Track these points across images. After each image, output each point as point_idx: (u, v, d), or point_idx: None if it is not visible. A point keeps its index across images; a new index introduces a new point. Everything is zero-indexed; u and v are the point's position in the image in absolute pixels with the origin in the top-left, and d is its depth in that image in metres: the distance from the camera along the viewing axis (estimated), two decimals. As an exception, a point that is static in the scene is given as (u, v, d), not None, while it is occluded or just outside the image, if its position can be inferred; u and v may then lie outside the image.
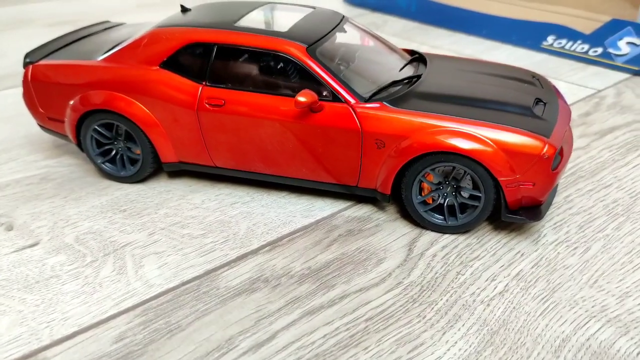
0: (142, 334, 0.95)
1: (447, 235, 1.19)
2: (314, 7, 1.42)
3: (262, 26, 1.27)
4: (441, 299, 1.02)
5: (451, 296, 1.03)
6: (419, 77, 1.27)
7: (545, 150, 1.10)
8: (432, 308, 1.00)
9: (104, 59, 1.31)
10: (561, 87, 1.93)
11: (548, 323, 0.97)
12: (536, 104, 1.21)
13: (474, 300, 1.02)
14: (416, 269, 1.10)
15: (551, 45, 2.30)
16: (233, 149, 1.27)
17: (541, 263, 1.11)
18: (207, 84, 1.24)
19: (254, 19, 1.30)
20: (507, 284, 1.06)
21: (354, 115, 1.16)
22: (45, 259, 1.12)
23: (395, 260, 1.12)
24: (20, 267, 1.10)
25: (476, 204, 1.15)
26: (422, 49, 2.30)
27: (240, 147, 1.26)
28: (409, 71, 1.32)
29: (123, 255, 1.13)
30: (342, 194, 1.32)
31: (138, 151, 1.34)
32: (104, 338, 0.94)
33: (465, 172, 1.13)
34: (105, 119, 1.31)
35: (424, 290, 1.05)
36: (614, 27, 2.11)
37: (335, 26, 1.32)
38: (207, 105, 1.23)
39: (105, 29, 1.57)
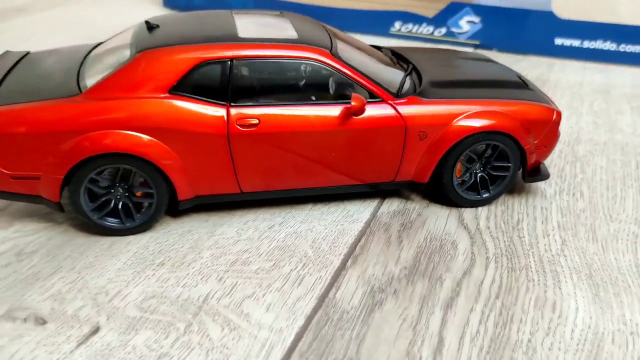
0: (320, 379, 0.87)
1: (480, 209, 1.30)
2: (279, 12, 1.37)
3: (261, 35, 1.19)
4: (530, 262, 1.13)
5: (534, 257, 1.14)
6: (414, 69, 1.34)
7: (555, 116, 1.27)
8: (531, 271, 1.11)
9: (87, 95, 1.09)
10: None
11: (615, 255, 1.15)
12: (519, 78, 1.38)
13: (552, 255, 1.15)
14: (488, 243, 1.18)
15: (399, 30, 2.54)
16: (267, 170, 1.18)
17: (564, 212, 1.29)
18: (233, 104, 1.13)
19: (248, 29, 1.21)
20: (560, 235, 1.21)
21: (396, 112, 1.18)
22: (128, 340, 0.91)
23: (465, 240, 1.19)
24: (109, 359, 0.88)
25: (505, 174, 1.28)
26: None
27: (275, 166, 1.18)
28: (398, 66, 1.37)
29: (215, 310, 0.98)
30: (365, 194, 1.32)
31: (138, 193, 1.15)
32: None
33: (492, 147, 1.24)
34: (107, 165, 1.09)
35: (512, 258, 1.14)
36: (454, 9, 2.43)
37: (326, 29, 1.30)
38: (239, 128, 1.12)
39: (20, 59, 1.28)
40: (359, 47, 1.31)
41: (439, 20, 2.48)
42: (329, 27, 1.32)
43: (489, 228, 1.23)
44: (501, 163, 1.27)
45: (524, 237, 1.21)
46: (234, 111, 1.12)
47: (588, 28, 2.30)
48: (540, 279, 1.08)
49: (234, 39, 1.15)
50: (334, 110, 1.16)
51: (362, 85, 1.17)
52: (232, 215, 1.24)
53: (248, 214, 1.25)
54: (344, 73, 1.17)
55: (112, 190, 1.14)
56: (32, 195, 1.13)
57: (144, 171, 1.11)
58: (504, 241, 1.19)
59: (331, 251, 1.14)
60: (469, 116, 1.21)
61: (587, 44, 2.33)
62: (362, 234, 1.20)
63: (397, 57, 1.42)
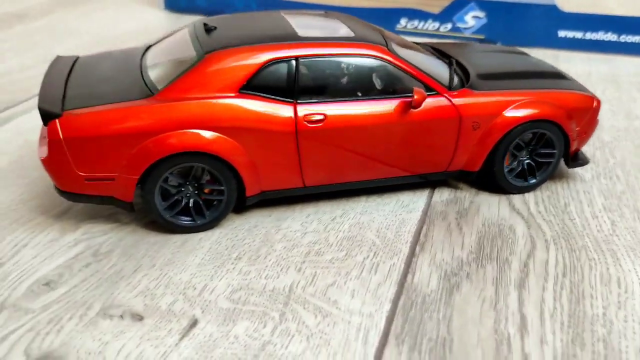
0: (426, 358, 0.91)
1: (527, 195, 1.36)
2: (324, 12, 1.41)
3: (319, 34, 1.23)
4: (587, 242, 1.19)
5: (589, 237, 1.21)
6: (455, 61, 1.39)
7: (595, 103, 1.34)
8: (590, 250, 1.17)
9: (161, 96, 1.11)
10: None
11: (663, 233, 1.23)
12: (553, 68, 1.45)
13: (605, 235, 1.21)
14: (543, 226, 1.24)
15: (405, 27, 2.60)
16: (330, 164, 1.22)
17: (606, 195, 1.36)
18: (300, 101, 1.16)
19: (305, 28, 1.25)
20: (607, 216, 1.28)
21: (451, 104, 1.23)
22: (228, 331, 0.94)
23: (521, 224, 1.25)
24: (213, 350, 0.91)
25: (551, 160, 1.34)
26: None
27: (338, 160, 1.21)
28: (441, 60, 1.42)
29: (303, 299, 1.02)
30: (415, 185, 1.37)
31: (207, 190, 1.18)
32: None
33: (539, 135, 1.30)
34: (182, 163, 1.12)
35: (569, 240, 1.20)
36: (459, 5, 2.49)
37: (374, 27, 1.34)
38: (306, 124, 1.16)
39: (74, 64, 1.29)
40: (406, 44, 1.36)
41: (445, 16, 2.54)
42: (374, 25, 1.37)
43: (540, 212, 1.29)
44: (547, 150, 1.33)
45: (574, 219, 1.27)
46: (300, 108, 1.16)
47: (590, 20, 2.39)
48: (600, 257, 1.15)
49: (297, 39, 1.18)
50: (394, 104, 1.20)
51: (418, 79, 1.22)
52: (293, 210, 1.27)
53: (307, 207, 1.28)
54: (402, 68, 1.21)
55: (183, 189, 1.16)
56: (103, 196, 1.14)
57: (215, 169, 1.14)
58: (557, 224, 1.25)
59: (397, 239, 1.18)
60: (518, 106, 1.27)
61: (589, 36, 2.42)
62: (422, 222, 1.25)
63: (438, 52, 1.47)
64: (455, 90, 1.25)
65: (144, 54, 1.31)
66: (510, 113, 1.26)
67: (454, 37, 2.54)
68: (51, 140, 1.06)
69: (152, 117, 1.09)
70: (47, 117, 1.06)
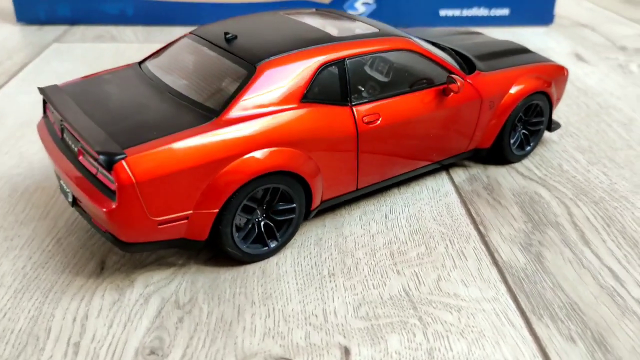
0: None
1: (525, 162, 1.48)
2: (315, 9, 1.38)
3: (348, 33, 1.20)
4: (601, 193, 1.35)
5: (600, 189, 1.36)
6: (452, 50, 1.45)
7: (565, 72, 1.50)
8: (609, 199, 1.32)
9: (223, 118, 1.00)
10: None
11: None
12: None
13: (608, 184, 1.38)
14: (559, 187, 1.37)
15: (297, 19, 2.59)
16: (382, 162, 1.21)
17: (580, 151, 1.54)
18: (354, 102, 1.13)
19: (330, 28, 1.21)
20: (597, 168, 1.46)
21: (473, 87, 1.30)
22: (385, 349, 0.90)
23: (541, 188, 1.36)
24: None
25: (540, 127, 1.48)
26: None
27: (389, 156, 1.21)
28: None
29: (426, 299, 1.01)
30: (431, 171, 1.41)
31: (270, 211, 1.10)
32: None
33: (535, 105, 1.43)
34: (258, 187, 1.03)
35: (588, 194, 1.35)
36: (351, -7, 2.57)
37: (371, 20, 1.35)
38: (365, 125, 1.13)
39: (62, 93, 1.10)
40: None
41: (336, 5, 2.59)
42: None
43: (547, 175, 1.42)
44: (537, 119, 1.46)
45: (575, 176, 1.42)
46: (356, 110, 1.13)
47: (465, -2, 2.63)
48: (621, 204, 1.31)
49: (334, 39, 1.14)
50: (432, 93, 1.23)
51: (444, 67, 1.26)
52: (340, 215, 1.24)
53: (352, 211, 1.26)
54: (430, 57, 1.24)
55: (252, 215, 1.07)
56: (173, 240, 1.01)
57: (289, 186, 1.06)
58: (567, 183, 1.39)
59: (457, 224, 1.22)
60: (519, 82, 1.37)
61: (466, 12, 2.66)
62: (464, 203, 1.30)
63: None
64: (471, 74, 1.32)
65: (145, 74, 1.16)
66: (515, 89, 1.36)
67: (347, 25, 2.61)
68: (123, 187, 0.90)
69: (224, 142, 0.98)
70: (111, 161, 0.90)
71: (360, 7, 2.60)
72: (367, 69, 1.19)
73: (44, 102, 1.17)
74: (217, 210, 0.99)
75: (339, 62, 1.11)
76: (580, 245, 1.17)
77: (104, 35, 2.44)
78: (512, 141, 1.43)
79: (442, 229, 1.21)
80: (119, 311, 0.97)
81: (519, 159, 1.47)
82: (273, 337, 0.93)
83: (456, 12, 2.65)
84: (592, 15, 2.95)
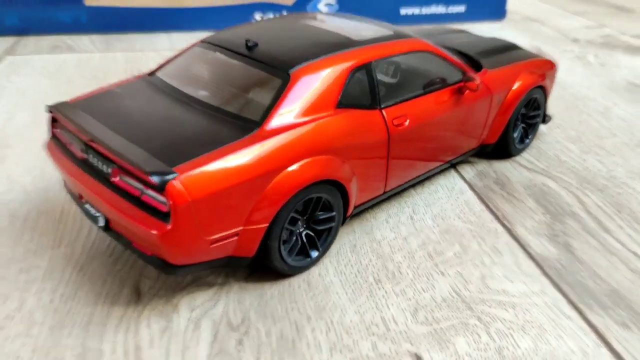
0: None
1: (524, 155, 1.52)
2: (317, 12, 1.36)
3: (367, 36, 1.19)
4: (603, 181, 1.41)
5: (600, 177, 1.42)
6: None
7: (555, 65, 1.56)
8: (613, 186, 1.38)
9: (265, 128, 0.97)
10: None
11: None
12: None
13: (606, 171, 1.45)
14: (563, 176, 1.42)
15: (260, 22, 2.55)
16: (408, 163, 1.21)
17: (572, 141, 1.61)
18: (382, 105, 1.12)
19: (348, 31, 1.19)
20: (590, 157, 1.52)
21: (484, 84, 1.32)
22: (455, 352, 0.90)
23: (548, 180, 1.40)
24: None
25: (537, 120, 1.52)
26: (151, 55, 2.19)
27: (414, 157, 1.21)
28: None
29: (478, 298, 1.02)
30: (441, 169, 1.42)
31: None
32: None
33: (533, 99, 1.47)
34: (304, 198, 1.00)
35: (591, 183, 1.40)
36: (313, -5, 2.55)
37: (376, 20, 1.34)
38: (395, 128, 1.13)
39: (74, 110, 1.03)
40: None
41: (299, 6, 2.57)
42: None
43: (548, 167, 1.47)
44: (535, 112, 1.51)
45: (574, 166, 1.48)
46: (386, 112, 1.12)
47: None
48: (625, 190, 1.37)
49: (356, 43, 1.13)
50: (451, 92, 1.24)
51: (457, 66, 1.27)
52: (367, 220, 1.23)
53: (376, 215, 1.25)
54: (445, 57, 1.25)
55: (295, 226, 1.04)
56: (221, 258, 0.96)
57: (329, 194, 1.04)
58: (569, 173, 1.44)
59: (482, 220, 1.24)
60: (520, 78, 1.41)
61: (425, 11, 2.71)
62: (481, 199, 1.32)
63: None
64: (479, 72, 1.34)
65: (161, 85, 1.10)
66: (517, 85, 1.40)
67: (310, 26, 2.59)
68: (177, 207, 0.85)
69: (272, 153, 0.94)
70: (164, 181, 0.84)
71: (322, 8, 2.59)
72: (389, 71, 1.19)
73: (53, 121, 1.09)
74: (267, 225, 0.96)
75: (367, 66, 1.10)
76: (602, 232, 1.21)
77: (59, 46, 2.31)
78: (514, 135, 1.46)
79: (469, 226, 1.22)
80: (171, 339, 0.92)
81: (519, 152, 1.51)
82: (341, 352, 0.90)
83: (416, 11, 2.69)
84: (538, 10, 3.08)
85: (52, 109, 1.05)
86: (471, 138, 1.36)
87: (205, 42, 1.17)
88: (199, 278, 1.05)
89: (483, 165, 1.46)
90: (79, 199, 1.04)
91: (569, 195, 1.34)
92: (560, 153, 1.54)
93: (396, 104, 1.14)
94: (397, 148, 1.15)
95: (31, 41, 2.36)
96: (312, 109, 1.02)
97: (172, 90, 1.09)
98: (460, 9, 2.74)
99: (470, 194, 1.34)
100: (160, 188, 0.84)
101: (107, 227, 0.98)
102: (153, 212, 0.89)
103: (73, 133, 1.01)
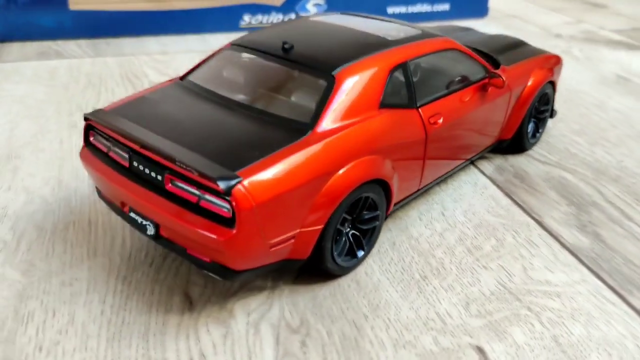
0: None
1: (535, 148, 1.56)
2: (341, 12, 1.37)
3: (397, 36, 1.20)
4: (615, 171, 1.46)
5: (610, 167, 1.47)
6: None
7: (561, 60, 1.60)
8: (627, 176, 1.43)
9: (317, 131, 0.97)
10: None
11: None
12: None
13: (615, 162, 1.50)
14: (577, 169, 1.47)
15: (249, 23, 2.54)
16: (441, 160, 1.23)
17: (577, 134, 1.66)
18: (418, 104, 1.14)
19: (376, 30, 1.21)
20: (598, 149, 1.57)
21: (504, 81, 1.35)
22: (514, 342, 0.93)
23: (564, 172, 1.45)
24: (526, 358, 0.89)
25: (547, 114, 1.57)
26: (144, 59, 2.17)
27: (446, 154, 1.23)
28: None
29: (524, 289, 1.04)
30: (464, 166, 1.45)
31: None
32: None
33: (544, 94, 1.52)
34: (354, 198, 1.00)
35: (605, 174, 1.45)
36: (302, -5, 2.55)
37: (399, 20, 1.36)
38: (432, 126, 1.15)
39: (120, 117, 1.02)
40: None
41: (287, 6, 2.57)
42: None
43: (562, 160, 1.51)
44: (545, 107, 1.55)
45: (585, 157, 1.53)
46: (422, 111, 1.14)
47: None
48: (638, 179, 1.42)
49: (390, 43, 1.14)
50: (476, 89, 1.27)
51: (479, 63, 1.30)
52: (400, 218, 1.24)
53: (408, 212, 1.26)
54: (470, 55, 1.28)
55: (343, 227, 1.04)
56: (276, 262, 0.96)
57: (376, 194, 1.05)
58: (582, 165, 1.49)
59: (511, 214, 1.27)
60: (534, 73, 1.45)
61: (411, 9, 2.74)
62: (506, 193, 1.35)
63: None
64: (499, 69, 1.37)
65: (198, 89, 1.10)
66: (531, 80, 1.44)
67: (300, 27, 2.60)
68: (243, 212, 0.84)
69: (326, 155, 0.95)
70: (230, 186, 0.84)
71: (311, 9, 2.60)
72: (417, 70, 1.20)
73: (88, 129, 1.06)
74: (322, 227, 0.96)
75: (403, 65, 1.12)
76: (626, 221, 1.26)
77: (46, 52, 2.25)
78: (528, 130, 1.50)
79: (500, 220, 1.25)
80: (234, 344, 0.91)
81: (532, 146, 1.55)
82: (405, 347, 0.92)
83: (402, 9, 2.73)
84: (517, 7, 3.16)
85: (90, 117, 1.02)
86: (492, 134, 1.39)
87: (236, 45, 1.16)
88: (247, 282, 1.04)
89: (499, 161, 1.49)
90: (120, 208, 1.02)
91: (587, 186, 1.39)
92: (569, 146, 1.58)
93: (430, 102, 1.16)
94: (432, 146, 1.16)
95: (15, 47, 2.29)
96: (358, 109, 1.02)
97: (211, 94, 1.08)
98: (445, 7, 2.79)
99: (493, 188, 1.37)
100: (227, 193, 0.84)
101: (158, 235, 0.96)
102: (212, 217, 0.88)
103: (117, 140, 0.99)
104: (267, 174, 0.88)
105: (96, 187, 1.11)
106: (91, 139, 1.07)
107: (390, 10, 2.71)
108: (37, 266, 1.07)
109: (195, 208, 0.89)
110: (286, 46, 1.09)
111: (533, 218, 1.26)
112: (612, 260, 1.13)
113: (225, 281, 1.02)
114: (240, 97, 1.06)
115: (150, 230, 0.96)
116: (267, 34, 1.19)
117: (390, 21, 1.30)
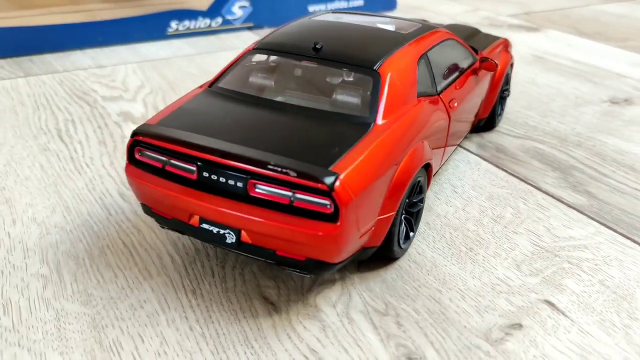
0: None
1: (501, 124, 1.72)
2: (332, 10, 1.42)
3: (405, 30, 1.28)
4: (608, 149, 1.65)
5: (589, 141, 1.67)
6: None
7: (510, 42, 1.78)
8: (606, 148, 1.63)
9: (381, 122, 1.02)
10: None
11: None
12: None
13: (588, 135, 1.70)
14: (572, 148, 1.64)
15: (177, 29, 2.49)
16: (453, 141, 1.33)
17: (537, 113, 1.85)
18: (439, 91, 1.23)
19: (386, 25, 1.28)
20: (566, 125, 1.77)
21: (497, 64, 1.48)
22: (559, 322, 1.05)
23: (547, 148, 1.62)
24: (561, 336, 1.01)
25: (507, 93, 1.73)
26: (82, 75, 2.08)
27: (457, 134, 1.35)
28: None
29: (554, 254, 1.17)
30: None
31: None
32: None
33: (508, 74, 1.67)
34: (412, 183, 1.07)
35: (600, 156, 1.64)
36: (227, -2, 2.54)
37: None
38: (451, 109, 1.24)
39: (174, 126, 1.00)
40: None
41: (214, 11, 2.55)
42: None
43: (527, 132, 1.68)
44: (506, 86, 1.71)
45: (545, 128, 1.71)
46: (442, 97, 1.23)
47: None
48: (594, 142, 1.62)
49: (409, 37, 1.22)
50: (471, 73, 1.38)
51: (472, 54, 1.42)
52: (422, 199, 1.33)
53: (426, 192, 1.36)
54: (462, 44, 1.39)
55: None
56: (357, 252, 1.00)
57: (423, 177, 1.13)
58: (545, 135, 1.67)
59: (511, 184, 1.40)
60: (500, 57, 1.60)
61: (329, 6, 2.83)
62: (501, 169, 1.48)
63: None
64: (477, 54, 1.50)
65: (234, 94, 1.10)
66: (500, 63, 1.59)
67: (226, 31, 2.59)
68: (346, 206, 0.88)
69: (395, 144, 1.01)
70: (332, 183, 0.87)
71: (237, 11, 2.60)
72: (438, 58, 1.29)
73: (133, 145, 1.03)
74: (394, 213, 1.02)
75: (425, 56, 1.20)
76: (604, 178, 1.44)
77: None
78: (500, 112, 1.65)
79: (506, 190, 1.37)
80: (336, 335, 0.94)
81: (498, 123, 1.70)
82: (487, 311, 1.00)
83: (322, 7, 2.81)
84: (418, -1, 3.37)
85: (141, 132, 0.99)
86: (478, 113, 1.52)
87: (261, 49, 1.17)
88: (317, 278, 1.07)
89: (477, 139, 1.63)
90: (185, 222, 1.00)
91: (560, 153, 1.56)
92: (527, 119, 1.76)
93: (445, 88, 1.26)
94: (452, 128, 1.26)
95: None
96: (403, 100, 1.09)
97: (253, 98, 1.09)
98: (359, 2, 2.92)
99: (485, 164, 1.50)
100: (331, 190, 0.87)
101: (239, 243, 0.96)
102: (308, 215, 0.90)
103: (179, 153, 0.97)
104: (356, 168, 0.92)
105: (142, 204, 1.08)
106: (136, 155, 1.03)
107: (311, 8, 2.78)
108: (94, 295, 1.02)
109: (288, 209, 0.91)
110: (317, 46, 1.13)
111: (531, 185, 1.40)
112: (612, 212, 1.30)
113: (308, 277, 1.04)
114: (284, 98, 1.08)
115: (231, 239, 0.96)
116: (286, 36, 1.21)
117: (384, 17, 1.37)
